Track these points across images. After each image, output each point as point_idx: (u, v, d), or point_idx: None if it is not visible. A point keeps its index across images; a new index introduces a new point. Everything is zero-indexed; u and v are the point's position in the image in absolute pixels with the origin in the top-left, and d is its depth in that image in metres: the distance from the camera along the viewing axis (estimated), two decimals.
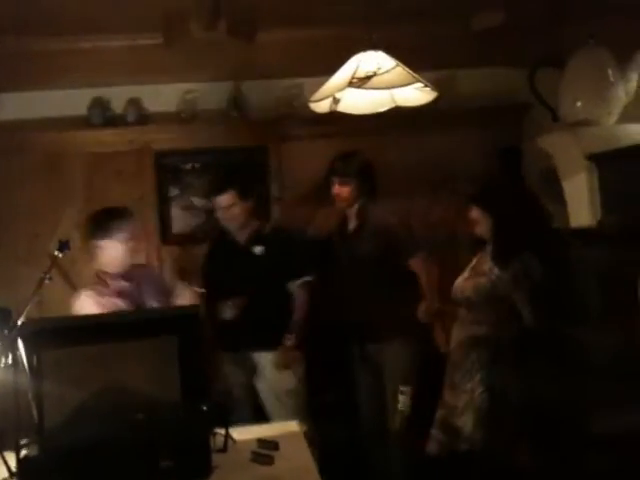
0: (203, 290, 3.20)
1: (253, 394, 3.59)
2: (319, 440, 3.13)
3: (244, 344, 3.50)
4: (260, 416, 3.47)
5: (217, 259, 3.64)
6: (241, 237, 3.59)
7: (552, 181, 3.74)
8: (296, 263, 3.55)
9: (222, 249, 3.65)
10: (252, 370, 3.57)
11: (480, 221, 3.02)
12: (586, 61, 3.40)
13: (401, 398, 3.29)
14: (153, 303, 3.09)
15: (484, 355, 2.87)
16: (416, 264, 3.45)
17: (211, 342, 3.33)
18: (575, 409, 3.06)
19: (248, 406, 3.56)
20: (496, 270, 2.90)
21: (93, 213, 3.21)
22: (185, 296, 3.15)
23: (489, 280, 2.90)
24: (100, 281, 3.15)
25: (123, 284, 3.14)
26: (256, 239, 3.56)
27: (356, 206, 3.55)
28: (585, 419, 3.14)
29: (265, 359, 3.51)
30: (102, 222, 3.10)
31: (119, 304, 3.04)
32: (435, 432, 3.01)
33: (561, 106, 3.55)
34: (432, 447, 3.00)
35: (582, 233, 3.29)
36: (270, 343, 3.47)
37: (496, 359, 2.85)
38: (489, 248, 3.02)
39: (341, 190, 3.53)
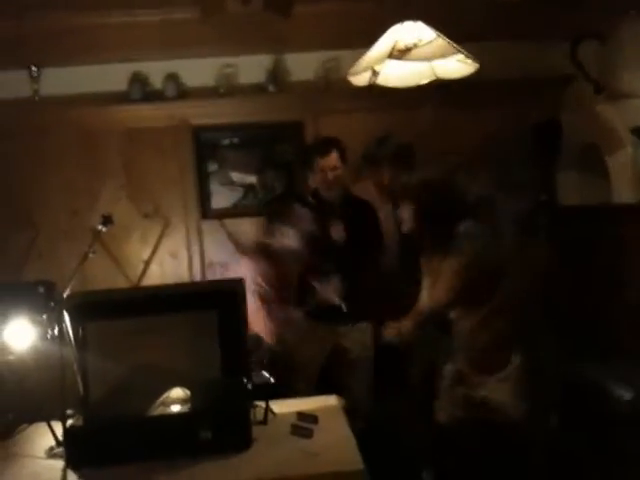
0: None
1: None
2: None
3: (340, 314, 3.44)
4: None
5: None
6: (335, 202, 3.55)
7: (594, 156, 3.67)
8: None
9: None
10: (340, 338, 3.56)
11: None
12: (630, 32, 3.31)
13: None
14: None
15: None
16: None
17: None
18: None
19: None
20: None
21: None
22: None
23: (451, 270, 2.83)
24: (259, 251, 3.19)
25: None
26: (347, 205, 3.54)
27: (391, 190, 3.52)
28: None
29: (357, 328, 3.52)
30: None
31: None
32: (447, 407, 2.97)
33: (604, 79, 3.48)
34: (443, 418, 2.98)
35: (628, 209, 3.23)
36: (362, 314, 3.49)
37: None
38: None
39: (376, 176, 3.51)
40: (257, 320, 2.95)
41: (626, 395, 3.28)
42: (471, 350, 2.89)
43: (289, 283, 3.22)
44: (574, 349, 3.53)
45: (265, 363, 2.90)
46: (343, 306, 3.26)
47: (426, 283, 2.91)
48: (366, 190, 3.77)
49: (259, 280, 2.98)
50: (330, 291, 3.25)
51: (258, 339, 3.01)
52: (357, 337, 3.55)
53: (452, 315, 2.86)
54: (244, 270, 3.03)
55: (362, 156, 3.57)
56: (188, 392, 2.23)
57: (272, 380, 2.83)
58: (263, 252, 3.13)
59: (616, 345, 3.45)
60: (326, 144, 3.55)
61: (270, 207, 3.33)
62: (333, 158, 3.47)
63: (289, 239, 3.10)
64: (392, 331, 2.91)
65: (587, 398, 3.48)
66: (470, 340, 2.86)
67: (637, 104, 3.30)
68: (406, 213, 2.89)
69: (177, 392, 2.24)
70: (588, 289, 3.59)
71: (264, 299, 3.00)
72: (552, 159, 4.19)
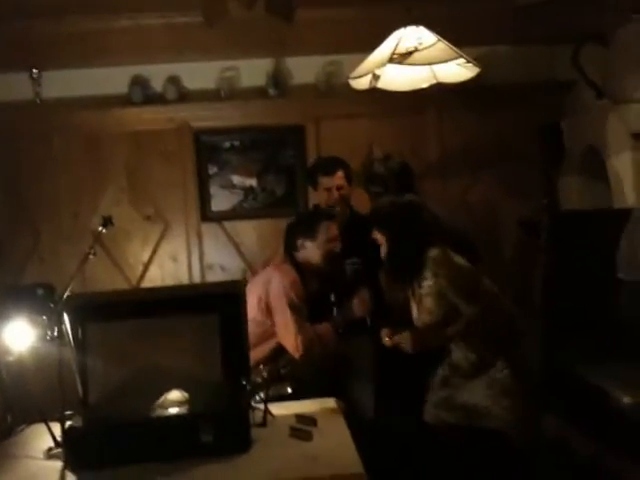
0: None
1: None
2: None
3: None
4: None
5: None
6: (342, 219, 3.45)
7: (595, 160, 3.67)
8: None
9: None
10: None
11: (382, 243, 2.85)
12: (632, 37, 3.31)
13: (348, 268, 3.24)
14: None
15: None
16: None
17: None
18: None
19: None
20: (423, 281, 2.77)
21: (305, 216, 3.27)
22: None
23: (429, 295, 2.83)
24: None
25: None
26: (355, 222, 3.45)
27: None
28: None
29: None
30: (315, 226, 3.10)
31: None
32: (432, 410, 2.96)
33: (606, 83, 3.48)
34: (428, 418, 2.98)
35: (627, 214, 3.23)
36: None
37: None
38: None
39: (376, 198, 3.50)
40: (287, 332, 2.95)
41: (625, 398, 3.27)
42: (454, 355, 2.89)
43: (314, 298, 3.21)
44: (574, 352, 3.54)
45: (283, 374, 2.90)
46: (368, 320, 3.25)
47: (413, 307, 2.92)
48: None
49: (292, 293, 2.97)
50: (358, 306, 3.25)
51: (280, 349, 3.01)
52: (358, 346, 3.47)
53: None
54: (278, 281, 3.02)
55: (366, 177, 3.56)
56: (186, 394, 2.23)
57: (289, 391, 2.84)
58: (292, 265, 3.12)
59: (615, 348, 3.45)
60: (332, 164, 3.51)
61: (296, 221, 3.30)
62: (339, 177, 3.43)
63: (314, 254, 3.09)
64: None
65: (585, 401, 3.48)
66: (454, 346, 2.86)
67: (638, 109, 3.30)
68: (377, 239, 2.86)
69: (175, 394, 2.24)
70: (587, 293, 3.59)
71: (295, 311, 2.99)
72: (554, 163, 4.19)
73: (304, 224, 3.16)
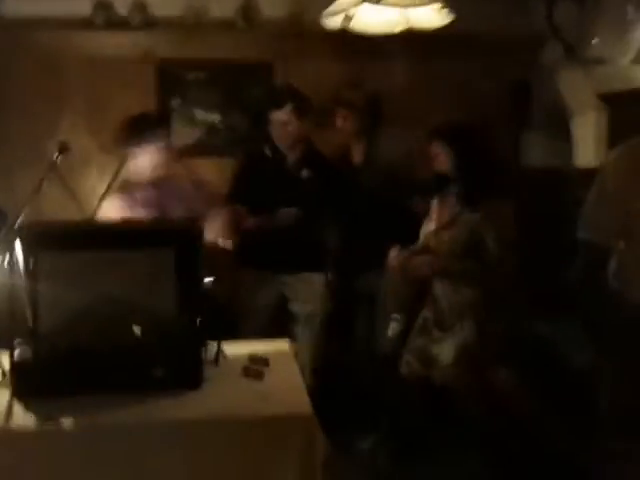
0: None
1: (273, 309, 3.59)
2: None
3: (284, 262, 3.45)
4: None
5: (258, 173, 3.50)
6: (290, 156, 3.47)
7: (560, 119, 3.69)
8: (341, 190, 3.47)
9: (265, 164, 3.51)
10: (280, 291, 3.56)
11: (442, 156, 2.90)
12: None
13: (392, 325, 3.34)
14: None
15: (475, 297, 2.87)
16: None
17: (235, 259, 3.27)
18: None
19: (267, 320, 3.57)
20: (465, 213, 2.84)
21: (129, 118, 3.10)
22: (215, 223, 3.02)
23: (461, 229, 2.85)
24: (126, 190, 3.09)
25: (150, 194, 3.07)
26: (305, 161, 3.45)
27: (361, 140, 3.48)
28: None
29: (300, 278, 3.50)
30: (138, 128, 3.02)
31: (143, 214, 2.99)
32: (409, 358, 3.03)
33: (577, 42, 3.47)
34: (405, 370, 3.04)
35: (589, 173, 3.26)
36: (309, 264, 3.48)
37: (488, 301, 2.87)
38: (451, 189, 2.92)
39: (345, 123, 3.45)
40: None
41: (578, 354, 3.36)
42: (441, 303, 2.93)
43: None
44: (530, 310, 3.61)
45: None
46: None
47: (429, 226, 2.95)
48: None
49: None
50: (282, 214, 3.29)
51: None
52: (302, 289, 3.52)
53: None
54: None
55: (333, 99, 3.49)
56: (138, 330, 2.21)
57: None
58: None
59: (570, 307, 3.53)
60: (280, 96, 3.43)
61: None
62: (284, 113, 3.35)
63: None
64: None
65: (538, 358, 3.57)
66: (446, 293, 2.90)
67: (606, 70, 3.31)
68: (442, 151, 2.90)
69: (124, 327, 2.21)
70: (546, 251, 3.65)
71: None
72: (520, 119, 4.20)
73: None
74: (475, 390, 2.89)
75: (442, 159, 2.90)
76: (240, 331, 3.28)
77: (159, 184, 3.09)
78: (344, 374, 3.68)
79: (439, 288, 2.96)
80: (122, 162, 2.83)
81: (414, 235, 3.38)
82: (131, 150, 3.02)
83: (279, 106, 3.36)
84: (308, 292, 3.51)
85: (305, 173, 3.42)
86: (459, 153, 2.85)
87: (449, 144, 2.88)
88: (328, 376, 3.47)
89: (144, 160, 3.03)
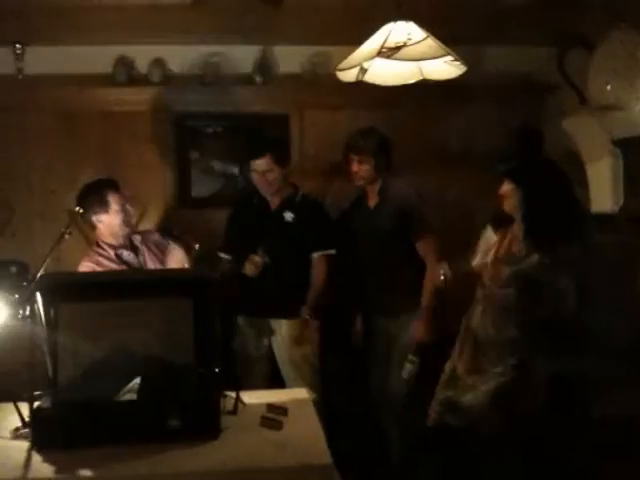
0: (197, 245, 3.17)
1: (269, 359, 3.61)
2: (327, 408, 3.17)
3: (263, 310, 3.51)
4: (274, 382, 3.50)
5: (244, 221, 3.61)
6: (273, 202, 3.56)
7: (574, 165, 3.69)
8: (324, 234, 3.55)
9: (251, 212, 3.61)
10: (269, 335, 3.58)
11: (511, 195, 2.85)
12: (617, 44, 3.33)
13: (407, 367, 3.32)
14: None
15: (517, 339, 2.81)
16: (424, 246, 3.45)
17: (232, 305, 3.32)
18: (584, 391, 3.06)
19: (263, 370, 3.60)
20: (533, 254, 2.77)
21: (85, 187, 3.26)
22: (174, 255, 3.16)
23: (529, 266, 2.81)
24: (101, 251, 3.20)
25: (126, 254, 3.21)
26: (288, 205, 3.54)
27: (377, 183, 3.54)
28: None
29: (282, 326, 3.52)
30: (98, 196, 3.17)
31: None
32: (439, 409, 2.97)
33: (589, 89, 3.50)
34: (434, 421, 2.98)
35: (605, 219, 3.26)
36: (288, 311, 3.49)
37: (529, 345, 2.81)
38: (518, 228, 2.88)
39: (360, 168, 3.50)
40: None
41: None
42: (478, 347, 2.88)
43: None
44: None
45: None
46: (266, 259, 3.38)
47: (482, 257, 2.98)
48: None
49: None
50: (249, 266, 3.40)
51: None
52: (288, 336, 3.53)
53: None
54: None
55: (346, 145, 3.55)
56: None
57: None
58: None
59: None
60: (259, 147, 3.52)
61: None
62: (263, 163, 3.44)
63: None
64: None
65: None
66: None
67: (620, 116, 3.33)
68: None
69: (139, 378, 2.22)
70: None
71: None
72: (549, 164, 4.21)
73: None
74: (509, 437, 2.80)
75: (510, 198, 2.88)
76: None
77: (132, 242, 3.26)
78: (351, 421, 3.64)
79: (479, 323, 2.90)
80: (71, 221, 2.93)
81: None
82: (99, 218, 3.18)
83: (257, 156, 3.46)
84: (295, 336, 3.52)
85: (288, 216, 3.49)
86: (529, 192, 2.82)
87: (519, 184, 2.85)
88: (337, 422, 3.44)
89: (112, 224, 3.19)
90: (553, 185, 2.83)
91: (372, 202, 3.58)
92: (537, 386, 2.75)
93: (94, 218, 3.18)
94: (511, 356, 2.75)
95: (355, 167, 3.51)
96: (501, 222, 2.98)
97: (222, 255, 3.59)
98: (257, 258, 3.40)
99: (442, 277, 3.07)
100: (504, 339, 2.77)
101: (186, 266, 3.08)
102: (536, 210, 2.78)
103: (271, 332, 3.56)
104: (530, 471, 2.76)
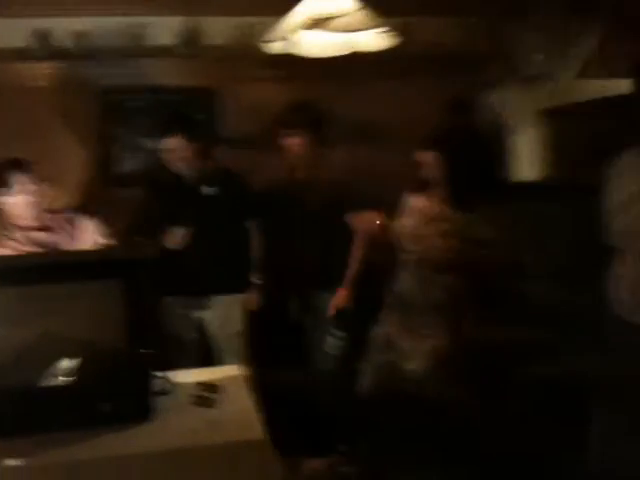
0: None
1: (200, 337, 3.57)
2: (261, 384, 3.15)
3: (196, 286, 3.45)
4: (207, 361, 3.47)
5: (161, 198, 3.54)
6: (189, 177, 3.50)
7: (502, 135, 3.76)
8: (250, 205, 3.52)
9: (166, 188, 3.54)
10: (202, 313, 3.54)
11: (432, 162, 2.89)
12: (548, 14, 3.38)
13: (329, 340, 3.32)
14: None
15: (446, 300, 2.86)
16: (355, 220, 3.45)
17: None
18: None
19: (195, 349, 3.56)
20: (457, 213, 2.84)
21: None
22: (85, 228, 3.07)
23: (453, 225, 2.86)
24: (10, 234, 3.06)
25: (37, 235, 3.06)
26: (205, 179, 3.48)
27: (306, 158, 3.50)
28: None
29: (218, 301, 3.49)
30: (3, 177, 3.01)
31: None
32: (374, 373, 2.99)
33: (522, 59, 3.53)
34: (367, 387, 3.00)
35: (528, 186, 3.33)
36: (224, 286, 3.46)
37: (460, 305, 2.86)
38: (438, 192, 2.91)
39: (291, 143, 3.46)
40: None
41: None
42: (407, 310, 2.90)
43: None
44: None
45: None
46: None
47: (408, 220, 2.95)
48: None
49: None
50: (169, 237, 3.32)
51: None
52: (221, 313, 3.52)
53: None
54: None
55: (276, 121, 3.50)
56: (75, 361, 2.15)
57: None
58: None
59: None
60: (167, 125, 3.47)
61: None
62: (172, 142, 3.40)
63: None
64: None
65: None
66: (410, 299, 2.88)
67: (548, 86, 3.38)
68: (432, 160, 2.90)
69: (66, 362, 2.15)
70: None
71: None
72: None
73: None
74: (448, 402, 2.85)
75: (430, 165, 2.91)
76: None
77: (45, 224, 3.10)
78: (286, 394, 3.63)
79: (408, 283, 2.92)
80: None
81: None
82: (3, 199, 3.03)
83: (166, 134, 3.41)
84: (229, 313, 3.50)
85: (205, 190, 3.46)
86: (449, 157, 2.87)
87: (439, 150, 2.89)
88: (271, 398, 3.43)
89: (19, 206, 3.03)
90: (473, 151, 2.89)
91: (301, 176, 3.55)
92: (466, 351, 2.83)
93: None
94: (440, 319, 2.81)
95: (286, 142, 3.47)
96: (419, 188, 3.00)
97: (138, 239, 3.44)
98: (177, 230, 3.33)
99: (377, 222, 3.02)
100: (431, 303, 2.82)
101: (100, 239, 3.01)
102: (457, 175, 2.83)
103: (202, 309, 3.52)
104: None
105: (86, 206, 3.35)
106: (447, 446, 2.78)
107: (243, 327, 3.55)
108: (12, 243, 3.01)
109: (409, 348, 2.85)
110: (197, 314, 3.55)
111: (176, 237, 3.35)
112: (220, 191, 3.48)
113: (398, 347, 2.89)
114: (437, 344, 2.79)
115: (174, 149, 3.40)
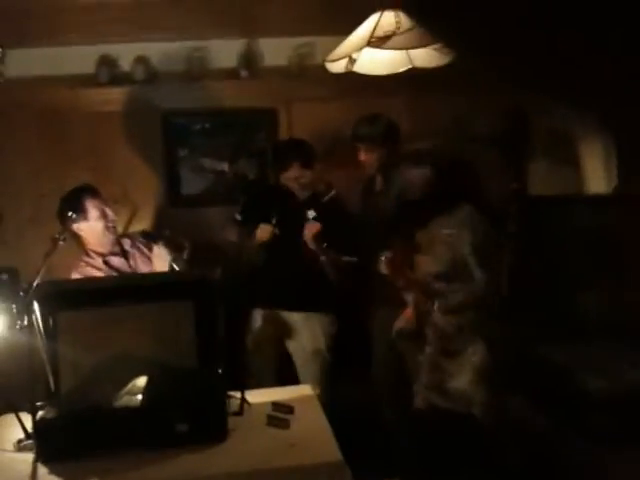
0: (187, 245, 3.12)
1: (279, 353, 3.57)
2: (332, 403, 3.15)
3: (278, 302, 3.46)
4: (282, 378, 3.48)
5: (265, 207, 3.54)
6: (300, 196, 3.52)
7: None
8: (342, 242, 3.41)
9: (272, 200, 3.56)
10: (283, 328, 3.53)
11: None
12: None
13: None
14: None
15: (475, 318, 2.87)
16: None
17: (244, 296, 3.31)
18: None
19: (273, 365, 3.58)
20: (444, 229, 2.87)
21: (65, 196, 3.20)
22: (159, 256, 3.09)
23: (444, 243, 2.86)
24: (89, 259, 3.16)
25: (114, 259, 3.15)
26: (313, 203, 3.46)
27: (382, 171, 3.49)
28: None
29: (298, 318, 3.48)
30: (74, 205, 3.10)
31: None
32: (426, 394, 2.99)
33: None
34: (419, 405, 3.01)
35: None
36: (304, 304, 3.45)
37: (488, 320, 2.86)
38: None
39: (368, 157, 3.46)
40: None
41: (594, 381, 3.33)
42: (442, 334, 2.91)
43: None
44: (543, 334, 3.58)
45: None
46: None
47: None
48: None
49: None
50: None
51: None
52: (308, 331, 3.50)
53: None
54: None
55: (352, 135, 3.50)
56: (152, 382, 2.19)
57: None
58: None
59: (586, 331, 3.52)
60: (284, 158, 3.50)
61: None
62: (293, 172, 3.43)
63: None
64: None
65: (554, 383, 3.53)
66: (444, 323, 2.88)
67: None
68: (419, 177, 2.95)
69: (143, 381, 2.19)
70: (557, 277, 3.64)
71: None
72: (520, 147, 4.21)
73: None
74: (494, 415, 2.85)
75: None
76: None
77: (121, 247, 3.21)
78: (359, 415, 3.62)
79: (437, 315, 2.92)
80: (52, 248, 2.80)
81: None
82: (80, 227, 3.12)
83: (284, 168, 3.45)
84: (310, 331, 3.49)
85: (310, 214, 3.43)
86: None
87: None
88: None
89: (94, 232, 3.14)
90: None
91: (378, 187, 3.54)
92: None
93: (75, 227, 3.11)
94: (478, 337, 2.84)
95: (363, 156, 3.47)
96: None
97: (237, 216, 3.58)
98: (268, 226, 3.37)
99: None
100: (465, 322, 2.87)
101: (174, 267, 3.02)
102: (443, 186, 2.93)
103: (285, 325, 3.51)
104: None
105: (156, 227, 3.40)
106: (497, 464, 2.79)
107: (323, 346, 3.51)
108: (89, 270, 3.09)
109: (454, 367, 2.84)
110: (278, 331, 3.54)
111: (264, 232, 3.38)
112: (321, 219, 3.41)
113: (443, 367, 2.90)
114: (477, 361, 2.80)
115: (295, 177, 3.44)
